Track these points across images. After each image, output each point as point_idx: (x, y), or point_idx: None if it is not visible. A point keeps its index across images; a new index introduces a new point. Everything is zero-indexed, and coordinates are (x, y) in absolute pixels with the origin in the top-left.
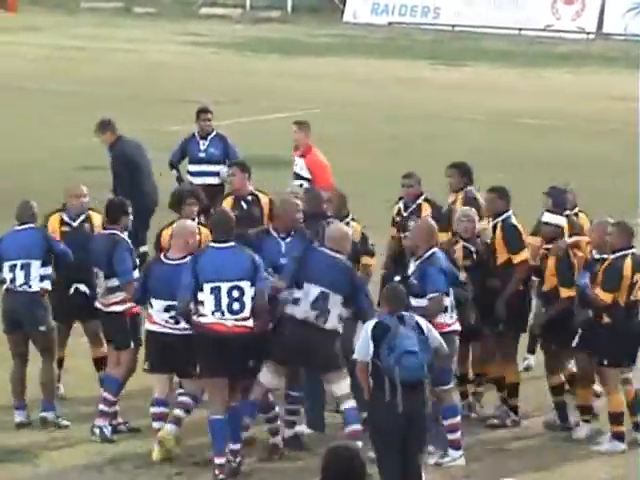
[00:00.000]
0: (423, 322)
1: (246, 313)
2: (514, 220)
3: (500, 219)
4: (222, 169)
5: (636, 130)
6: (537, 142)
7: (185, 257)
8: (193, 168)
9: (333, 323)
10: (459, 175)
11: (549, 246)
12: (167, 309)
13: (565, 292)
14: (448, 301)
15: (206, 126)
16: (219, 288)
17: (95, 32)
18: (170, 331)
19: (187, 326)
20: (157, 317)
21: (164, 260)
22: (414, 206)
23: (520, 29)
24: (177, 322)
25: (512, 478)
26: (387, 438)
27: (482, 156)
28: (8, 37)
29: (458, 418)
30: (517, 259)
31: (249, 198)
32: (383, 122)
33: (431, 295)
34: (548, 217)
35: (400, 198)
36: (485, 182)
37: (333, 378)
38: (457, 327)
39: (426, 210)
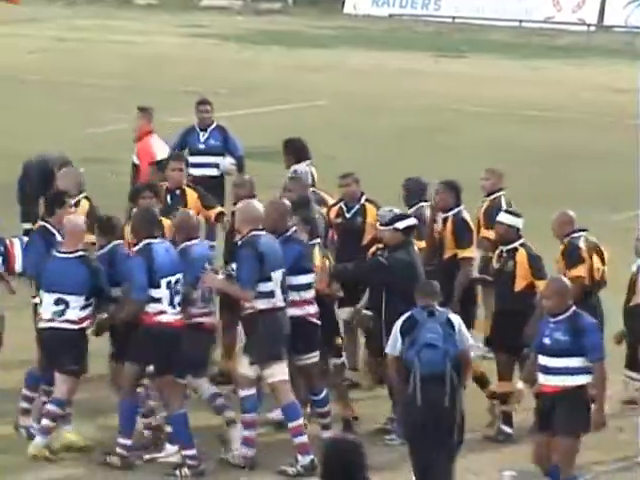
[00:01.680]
0: (456, 319)
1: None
2: (465, 215)
3: (451, 213)
4: (222, 161)
5: (637, 122)
6: (539, 134)
7: (78, 251)
8: (193, 159)
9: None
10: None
11: (511, 246)
12: (57, 302)
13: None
14: None
15: (205, 118)
16: (170, 282)
17: (96, 23)
18: (59, 325)
19: (71, 319)
20: (47, 312)
21: (57, 254)
22: (358, 207)
23: (521, 21)
24: (62, 315)
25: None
26: (411, 430)
27: (483, 148)
28: (9, 29)
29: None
30: (463, 254)
31: None
32: (385, 114)
33: None
34: (503, 217)
35: (340, 200)
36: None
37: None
38: None
39: (371, 211)
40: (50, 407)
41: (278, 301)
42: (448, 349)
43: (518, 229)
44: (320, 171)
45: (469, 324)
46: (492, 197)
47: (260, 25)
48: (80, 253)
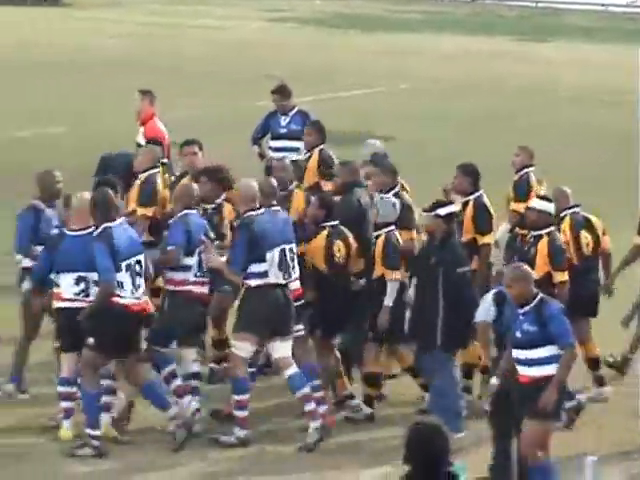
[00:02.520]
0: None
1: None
2: (486, 200)
3: (472, 197)
4: (302, 145)
5: None
6: (620, 118)
7: (89, 228)
8: (274, 144)
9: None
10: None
11: (538, 232)
12: (77, 281)
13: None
14: None
15: (278, 105)
16: (130, 265)
17: (178, 9)
18: (81, 305)
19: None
20: (67, 292)
21: (68, 233)
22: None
23: (604, 5)
24: (87, 295)
25: None
26: (503, 402)
27: (565, 131)
28: (91, 13)
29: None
30: (482, 240)
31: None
32: (466, 97)
33: None
34: (535, 202)
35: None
36: (578, 160)
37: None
38: None
39: (299, 197)
40: (66, 389)
41: (273, 279)
42: None
43: (550, 214)
44: (405, 155)
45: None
46: (521, 173)
47: (340, 9)
48: (91, 229)
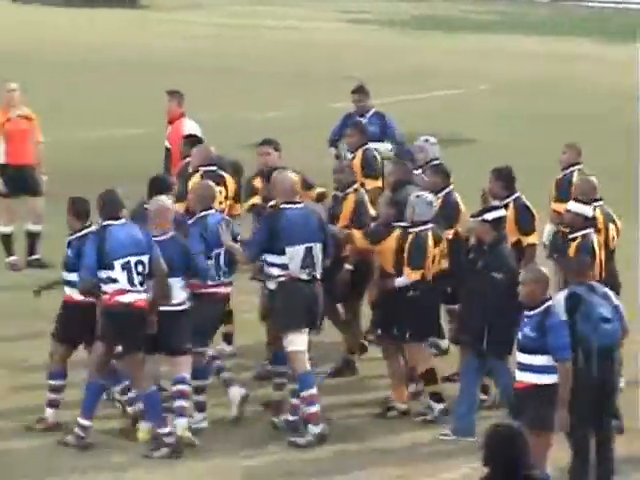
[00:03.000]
0: (610, 292)
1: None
2: (526, 201)
3: (511, 199)
4: (380, 146)
5: None
6: None
7: (168, 233)
8: None
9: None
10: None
11: (573, 235)
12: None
13: None
14: None
15: (358, 106)
16: (128, 263)
17: (256, 10)
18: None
19: (176, 302)
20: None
21: (110, 222)
22: None
23: None
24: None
25: None
26: (580, 406)
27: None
28: (173, 15)
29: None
30: (527, 241)
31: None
32: (546, 98)
33: None
34: (571, 204)
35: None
36: None
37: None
38: None
39: (350, 200)
40: (182, 387)
41: (295, 272)
42: (617, 323)
43: (586, 217)
44: (485, 156)
45: None
46: (567, 171)
47: (419, 10)
48: (171, 234)
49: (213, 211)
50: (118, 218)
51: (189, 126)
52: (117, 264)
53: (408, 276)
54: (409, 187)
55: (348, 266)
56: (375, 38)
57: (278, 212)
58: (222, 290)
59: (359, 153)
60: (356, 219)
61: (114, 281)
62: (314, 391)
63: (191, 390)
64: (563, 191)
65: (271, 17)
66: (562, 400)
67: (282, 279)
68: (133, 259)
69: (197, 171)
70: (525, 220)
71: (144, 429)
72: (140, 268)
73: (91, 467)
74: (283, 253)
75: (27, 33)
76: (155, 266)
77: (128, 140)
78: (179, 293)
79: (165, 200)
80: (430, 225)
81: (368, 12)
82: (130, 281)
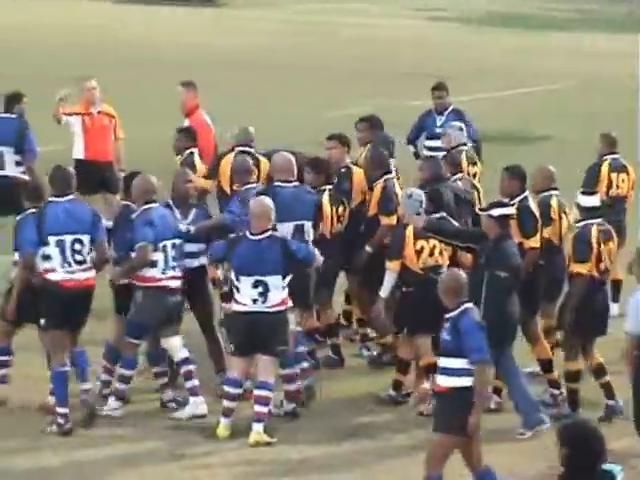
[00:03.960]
0: None
1: (88, 264)
2: (531, 203)
3: (517, 200)
4: None
5: None
6: None
7: (267, 231)
8: (430, 143)
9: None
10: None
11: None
12: (255, 285)
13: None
14: None
15: (439, 103)
16: (63, 241)
17: (332, 7)
18: (258, 310)
19: (275, 303)
20: (245, 296)
21: (249, 237)
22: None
23: None
24: (266, 300)
25: None
26: None
27: None
28: (247, 12)
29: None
30: (528, 244)
31: (342, 171)
32: (621, 96)
33: None
34: (578, 197)
35: None
36: None
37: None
38: None
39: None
40: (263, 392)
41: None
42: None
43: (584, 208)
44: (562, 154)
45: (533, 311)
46: (597, 161)
47: (496, 8)
48: (270, 233)
49: (254, 185)
50: (64, 195)
51: (207, 118)
52: (52, 240)
53: (388, 267)
54: (441, 183)
55: (368, 249)
56: (451, 35)
57: (270, 189)
58: (171, 283)
59: (366, 150)
60: (384, 206)
61: (48, 258)
62: (297, 370)
63: (270, 395)
64: (588, 180)
65: (346, 14)
66: (478, 403)
67: None
68: (69, 237)
69: (232, 150)
70: (527, 223)
71: (225, 425)
72: (77, 247)
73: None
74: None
75: (104, 31)
76: (96, 249)
77: None
78: (279, 295)
79: (267, 200)
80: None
81: (444, 9)
82: (64, 259)
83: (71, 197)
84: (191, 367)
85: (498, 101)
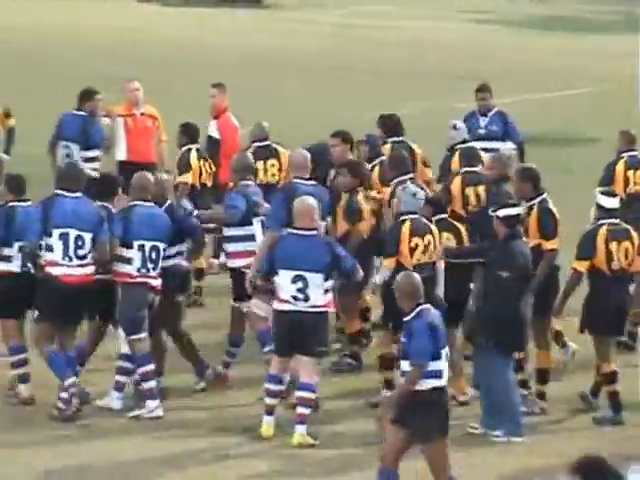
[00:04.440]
0: None
1: (89, 260)
2: (550, 204)
3: (536, 201)
4: (502, 146)
5: None
6: None
7: (313, 229)
8: (474, 145)
9: None
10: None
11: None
12: (294, 280)
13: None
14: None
15: (483, 104)
16: (67, 234)
17: (379, 9)
18: (300, 309)
19: (317, 304)
20: (285, 291)
21: (294, 232)
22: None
23: None
24: (306, 299)
25: None
26: None
27: None
28: (296, 14)
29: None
30: (547, 246)
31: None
32: None
33: None
34: (598, 197)
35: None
36: None
37: None
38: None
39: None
40: (305, 394)
41: None
42: None
43: (603, 208)
44: (606, 155)
45: (543, 314)
46: (615, 158)
47: (543, 11)
48: (315, 232)
49: (251, 182)
50: (73, 191)
51: (235, 120)
52: (55, 232)
53: (383, 264)
54: (506, 184)
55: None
56: (495, 37)
57: (291, 186)
58: (151, 281)
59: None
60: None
61: (50, 249)
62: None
63: (312, 397)
64: (605, 177)
65: (393, 16)
66: (399, 394)
67: None
68: (73, 232)
69: (249, 147)
70: (547, 224)
71: (269, 423)
72: (80, 242)
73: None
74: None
75: (151, 33)
76: (98, 248)
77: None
78: (320, 295)
79: (311, 200)
80: (414, 216)
81: (489, 12)
82: (65, 253)
83: (79, 194)
84: (149, 368)
85: (543, 103)
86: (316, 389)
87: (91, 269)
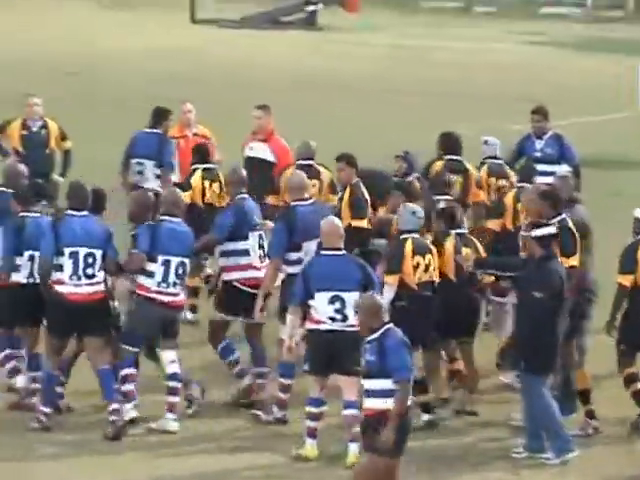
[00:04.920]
0: None
1: (99, 278)
2: (570, 223)
3: (554, 221)
4: (558, 169)
5: None
6: None
7: (341, 249)
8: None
9: None
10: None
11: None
12: (332, 301)
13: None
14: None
15: (538, 127)
16: (77, 253)
17: (435, 32)
18: (337, 328)
19: (353, 322)
20: (322, 313)
21: (324, 253)
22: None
23: None
24: (344, 318)
25: None
26: None
27: None
28: (349, 36)
29: None
30: (568, 263)
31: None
32: None
33: None
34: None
35: None
36: None
37: None
38: None
39: None
40: (352, 411)
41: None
42: None
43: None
44: None
45: (572, 334)
46: None
47: (599, 33)
48: (344, 252)
49: (246, 195)
50: (80, 210)
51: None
52: (66, 251)
53: (387, 281)
54: (577, 206)
55: None
56: (550, 59)
57: (290, 210)
58: (164, 298)
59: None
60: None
61: (60, 268)
62: (291, 382)
63: (358, 414)
64: None
65: (447, 38)
66: (395, 418)
67: (293, 272)
68: (83, 250)
69: (293, 165)
70: (567, 243)
71: (312, 445)
72: (90, 260)
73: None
74: (298, 249)
75: (206, 55)
76: (107, 264)
77: None
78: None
79: (337, 220)
80: (415, 235)
81: (543, 33)
82: (75, 271)
83: (86, 213)
84: (132, 371)
85: (596, 125)
86: (359, 406)
87: (98, 287)
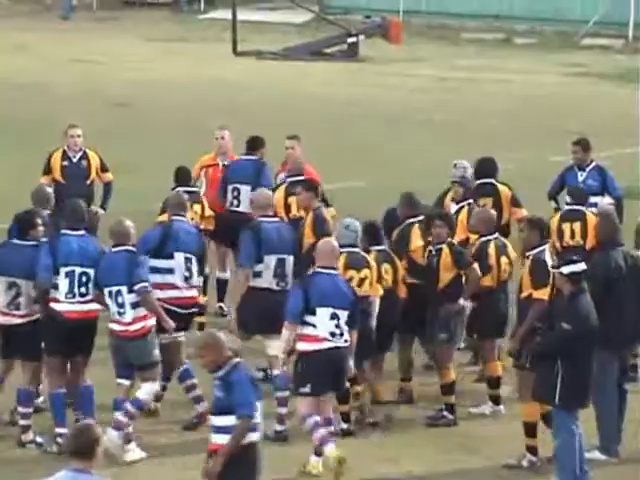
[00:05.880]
0: None
1: (91, 296)
2: (546, 255)
3: (533, 252)
4: (600, 201)
5: None
6: None
7: (333, 269)
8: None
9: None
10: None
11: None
12: (332, 317)
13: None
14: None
15: (578, 159)
16: (73, 272)
17: (477, 63)
18: (338, 345)
19: (348, 339)
20: (323, 328)
21: (322, 271)
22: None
23: None
24: (342, 334)
25: None
26: None
27: None
28: (394, 68)
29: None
30: (536, 295)
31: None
32: None
33: None
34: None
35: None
36: None
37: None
38: None
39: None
40: (330, 429)
41: (265, 283)
42: None
43: None
44: None
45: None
46: None
47: (636, 63)
48: (337, 271)
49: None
50: (76, 229)
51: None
52: (62, 271)
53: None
54: (618, 250)
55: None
56: (592, 91)
57: (256, 224)
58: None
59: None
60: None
61: (56, 287)
62: (287, 394)
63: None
64: None
65: (491, 70)
66: (225, 453)
67: (253, 285)
68: (78, 269)
69: (284, 183)
70: (539, 275)
71: (334, 454)
72: (84, 279)
73: None
74: (260, 261)
75: (249, 85)
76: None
77: (349, 192)
78: (346, 331)
79: (334, 241)
80: (352, 249)
81: (585, 65)
82: (70, 290)
83: (82, 232)
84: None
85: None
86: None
87: (93, 306)
